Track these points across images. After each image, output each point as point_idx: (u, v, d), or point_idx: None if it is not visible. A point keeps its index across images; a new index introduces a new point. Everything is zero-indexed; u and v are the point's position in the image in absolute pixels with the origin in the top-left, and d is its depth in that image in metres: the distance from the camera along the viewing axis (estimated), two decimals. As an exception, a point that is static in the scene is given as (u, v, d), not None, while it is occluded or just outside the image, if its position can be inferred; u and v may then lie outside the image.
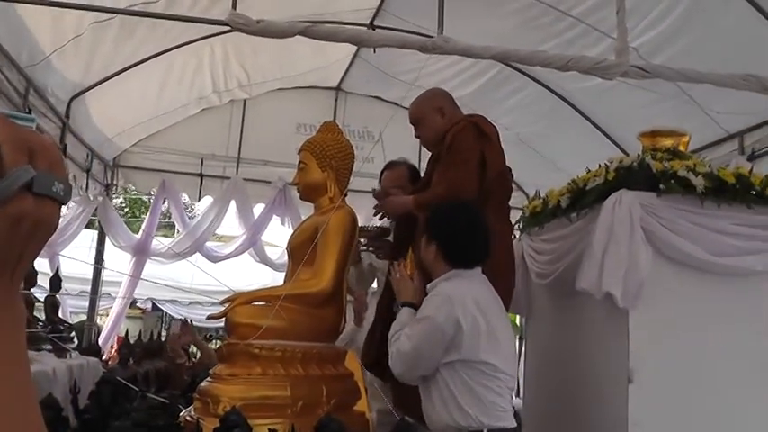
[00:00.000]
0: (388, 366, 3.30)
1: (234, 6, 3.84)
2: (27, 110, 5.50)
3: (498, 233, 3.61)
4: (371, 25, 7.30)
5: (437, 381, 3.10)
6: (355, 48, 7.75)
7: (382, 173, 4.70)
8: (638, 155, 3.59)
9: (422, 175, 4.23)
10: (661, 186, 3.32)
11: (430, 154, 4.13)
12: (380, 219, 4.23)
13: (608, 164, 3.58)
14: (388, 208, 3.97)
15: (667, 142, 3.76)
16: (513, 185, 4.16)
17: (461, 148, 3.63)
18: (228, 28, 3.88)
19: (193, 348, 6.87)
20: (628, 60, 3.83)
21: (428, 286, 3.30)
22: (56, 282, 4.90)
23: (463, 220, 3.28)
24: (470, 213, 3.31)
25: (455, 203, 3.41)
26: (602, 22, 5.85)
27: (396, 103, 8.33)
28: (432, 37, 3.99)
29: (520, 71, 7.53)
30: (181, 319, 6.15)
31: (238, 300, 3.33)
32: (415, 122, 4.08)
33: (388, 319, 3.57)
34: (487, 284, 3.25)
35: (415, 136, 4.13)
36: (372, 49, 6.43)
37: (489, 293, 3.22)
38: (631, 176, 3.39)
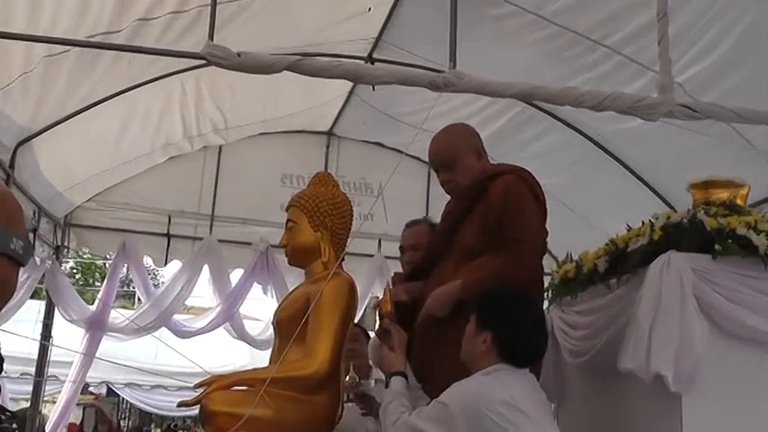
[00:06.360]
0: None
1: (211, 37, 3.83)
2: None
3: None
4: (370, 58, 7.38)
5: None
6: (351, 85, 7.80)
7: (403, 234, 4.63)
8: (689, 210, 3.59)
9: None
10: (717, 247, 3.31)
11: (447, 203, 3.98)
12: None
13: (653, 221, 3.58)
14: (434, 306, 3.55)
15: (723, 194, 3.76)
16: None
17: (525, 218, 3.61)
18: (204, 62, 3.89)
19: None
20: (673, 98, 3.84)
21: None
22: (-4, 363, 4.87)
23: (531, 315, 3.23)
24: (538, 308, 3.29)
25: (516, 291, 3.33)
26: (640, 53, 5.91)
27: (399, 150, 8.12)
28: (441, 72, 4.00)
29: (544, 111, 7.58)
30: (94, 406, 6.10)
31: (215, 384, 3.31)
32: (444, 166, 3.85)
33: None
34: (533, 384, 3.20)
35: (442, 181, 3.89)
36: (371, 87, 6.51)
37: (534, 395, 3.15)
38: (681, 235, 3.39)
